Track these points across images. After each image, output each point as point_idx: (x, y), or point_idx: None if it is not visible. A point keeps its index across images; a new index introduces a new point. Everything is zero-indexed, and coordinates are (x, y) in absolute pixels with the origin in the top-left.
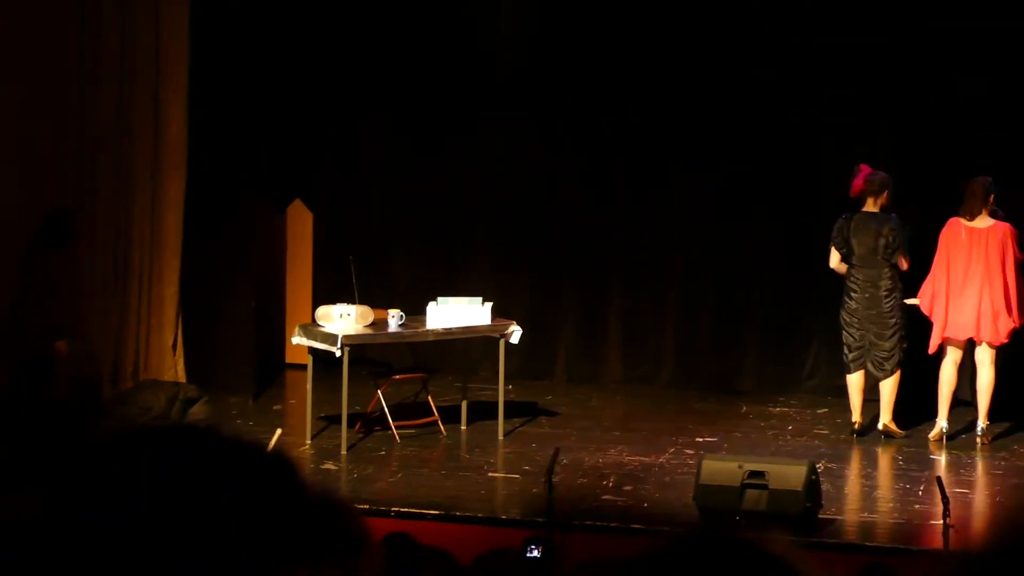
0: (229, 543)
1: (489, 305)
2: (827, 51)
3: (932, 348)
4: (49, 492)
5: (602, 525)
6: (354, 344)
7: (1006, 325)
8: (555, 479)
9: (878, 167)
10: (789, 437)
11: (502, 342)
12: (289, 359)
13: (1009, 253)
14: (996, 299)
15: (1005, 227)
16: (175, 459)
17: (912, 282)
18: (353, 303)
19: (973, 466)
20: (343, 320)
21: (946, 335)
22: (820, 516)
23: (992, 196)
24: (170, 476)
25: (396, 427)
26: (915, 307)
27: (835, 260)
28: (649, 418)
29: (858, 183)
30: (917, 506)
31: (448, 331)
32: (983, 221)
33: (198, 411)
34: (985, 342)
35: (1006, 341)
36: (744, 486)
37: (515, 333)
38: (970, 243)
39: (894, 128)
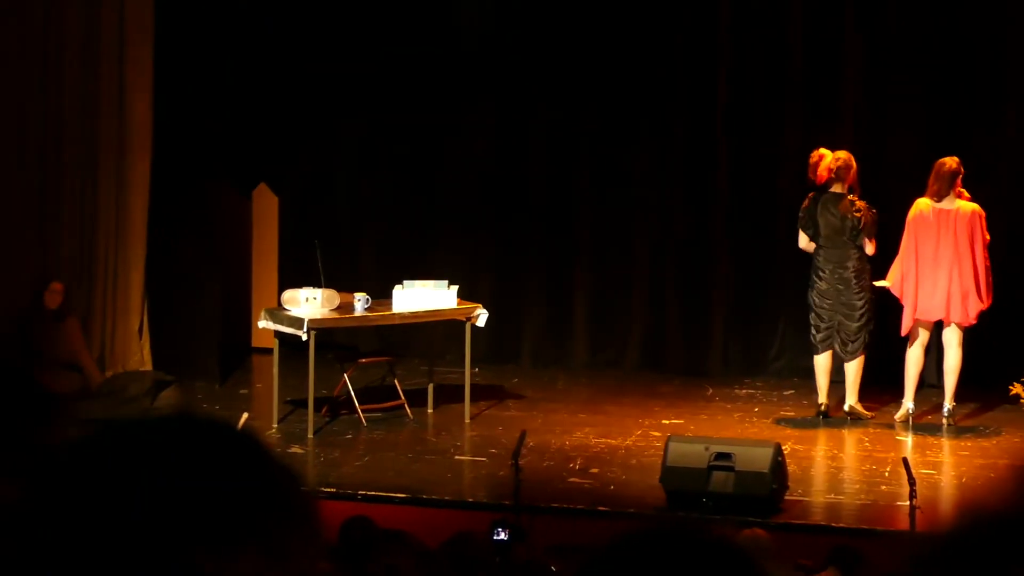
0: (202, 527)
1: (455, 288)
2: (789, 33)
3: (904, 330)
4: (30, 482)
5: (569, 508)
6: (320, 328)
7: (975, 306)
8: (521, 462)
9: (841, 148)
10: (755, 419)
11: (468, 325)
12: (255, 343)
13: (978, 234)
14: (965, 280)
15: (974, 209)
16: (154, 448)
17: (880, 264)
18: (319, 287)
19: (939, 447)
20: (309, 304)
21: (916, 317)
22: (786, 498)
23: (960, 177)
24: (148, 466)
25: (362, 411)
26: (883, 289)
27: (803, 241)
28: (615, 401)
29: (823, 173)
30: (883, 487)
31: (414, 314)
32: (951, 202)
33: (169, 395)
34: (954, 323)
35: (974, 322)
36: (711, 468)
37: (481, 316)
38: (938, 224)
39: (858, 108)
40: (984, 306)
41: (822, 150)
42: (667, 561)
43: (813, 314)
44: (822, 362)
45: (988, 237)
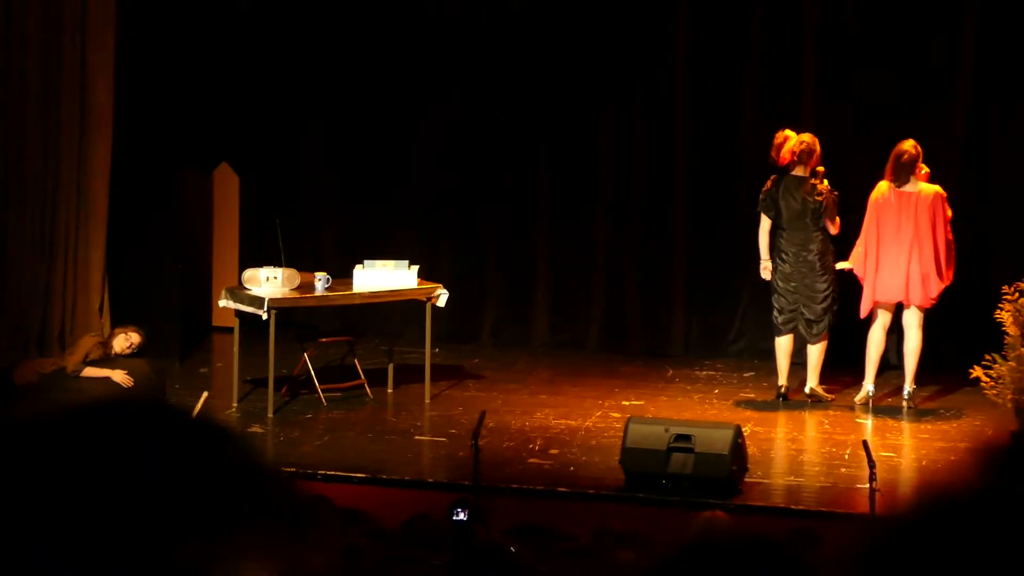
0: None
1: (415, 268)
2: (752, 13)
3: (863, 312)
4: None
5: (528, 488)
6: (280, 307)
7: (936, 286)
8: (481, 443)
9: (803, 130)
10: (715, 400)
11: (428, 305)
12: (216, 322)
13: (939, 215)
14: (926, 262)
15: (936, 191)
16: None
17: (843, 246)
18: (279, 266)
19: (900, 430)
20: (270, 283)
21: (876, 299)
22: (746, 480)
23: (919, 161)
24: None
25: (322, 390)
26: (845, 271)
27: (765, 225)
28: (575, 382)
29: (786, 155)
30: (843, 470)
31: (374, 294)
32: (912, 185)
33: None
34: (914, 305)
35: (935, 301)
36: (670, 449)
37: (442, 296)
38: (899, 206)
39: (819, 90)
40: (944, 283)
41: (787, 131)
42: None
43: (776, 296)
44: (784, 344)
45: (951, 213)
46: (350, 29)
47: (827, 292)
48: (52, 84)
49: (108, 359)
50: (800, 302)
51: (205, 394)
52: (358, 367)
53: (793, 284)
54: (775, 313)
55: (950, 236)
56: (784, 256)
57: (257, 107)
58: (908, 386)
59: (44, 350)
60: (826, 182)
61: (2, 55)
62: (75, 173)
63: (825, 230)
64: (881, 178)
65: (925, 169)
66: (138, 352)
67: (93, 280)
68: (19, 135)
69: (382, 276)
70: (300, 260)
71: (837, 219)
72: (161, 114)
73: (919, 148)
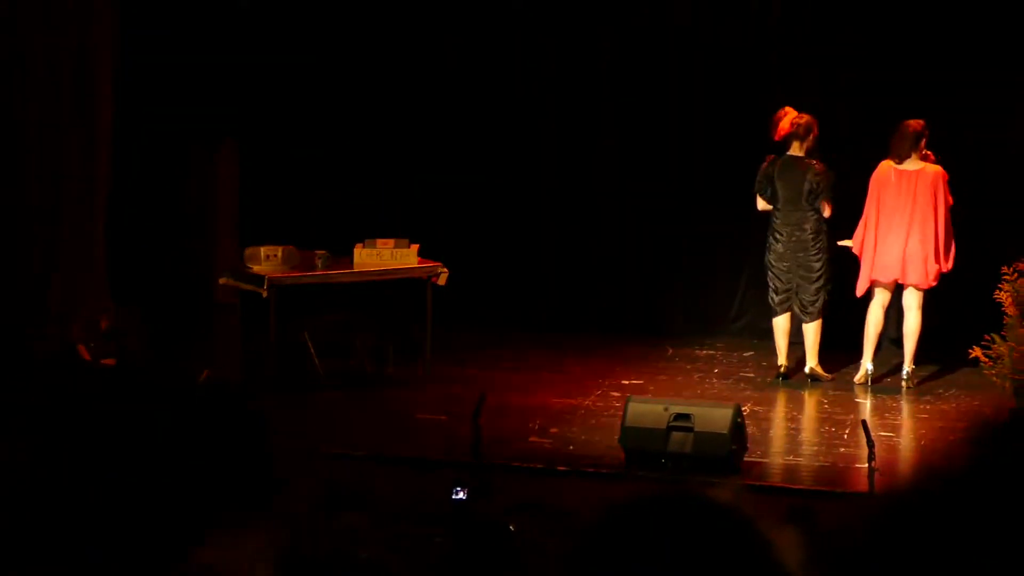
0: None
1: (416, 247)
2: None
3: (860, 291)
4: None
5: (528, 467)
6: (280, 285)
7: (934, 269)
8: (481, 421)
9: (803, 110)
10: (715, 380)
11: (430, 284)
12: (218, 298)
13: (940, 198)
14: (926, 242)
15: (937, 171)
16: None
17: (840, 226)
18: (279, 244)
19: (898, 410)
20: (269, 261)
21: (873, 277)
22: (745, 459)
23: (924, 140)
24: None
25: (322, 368)
26: (844, 249)
27: (761, 205)
28: (576, 360)
29: (784, 126)
30: (842, 449)
31: (375, 272)
32: (913, 164)
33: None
34: (912, 285)
35: (934, 284)
36: (670, 428)
37: (443, 275)
38: (899, 185)
39: (819, 70)
40: (945, 269)
41: (787, 108)
42: (670, 525)
43: (771, 276)
44: (781, 324)
45: (951, 200)
46: (350, 12)
47: (820, 272)
48: (54, 61)
49: (97, 338)
50: (794, 281)
51: (206, 372)
52: (358, 345)
53: (786, 264)
54: (771, 293)
55: (949, 224)
56: (778, 236)
57: (258, 85)
58: (907, 366)
59: (45, 327)
60: (823, 163)
61: (3, 29)
62: (78, 145)
63: (820, 210)
64: (883, 158)
65: (932, 156)
66: (114, 332)
67: (96, 254)
68: (23, 106)
69: (383, 254)
70: (300, 238)
71: (831, 204)
72: (163, 92)
73: (925, 128)
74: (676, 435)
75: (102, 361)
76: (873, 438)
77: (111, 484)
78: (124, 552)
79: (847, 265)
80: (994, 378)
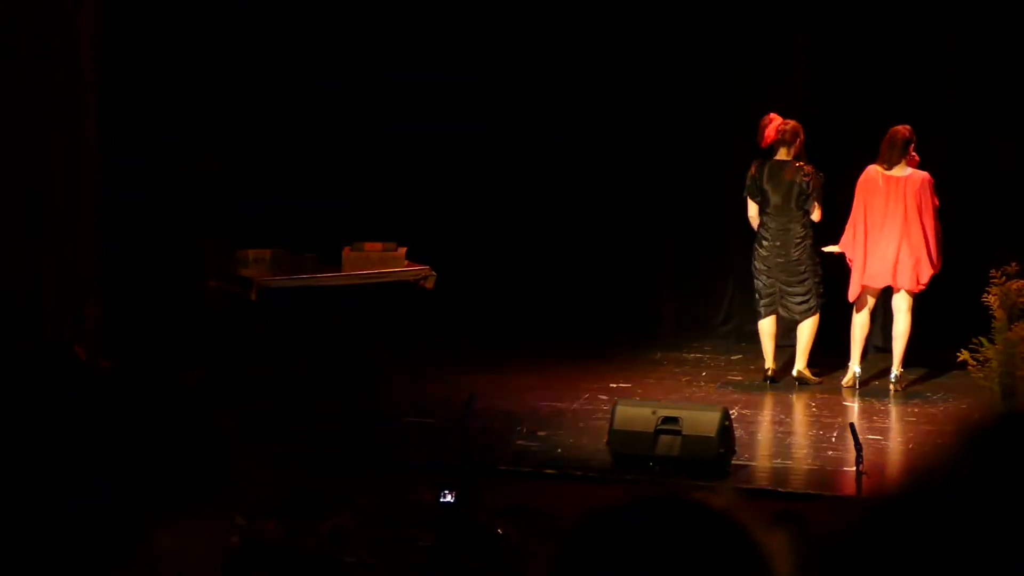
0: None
1: (404, 250)
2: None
3: (851, 296)
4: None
5: (516, 470)
6: (268, 288)
7: (926, 272)
8: (469, 424)
9: (789, 116)
10: (703, 383)
11: (417, 287)
12: (207, 302)
13: (927, 201)
14: (915, 247)
15: (924, 176)
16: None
17: (826, 231)
18: (268, 248)
19: (886, 413)
20: (258, 264)
21: (864, 283)
22: (733, 462)
23: (912, 145)
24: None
25: (315, 372)
26: (832, 254)
27: (753, 210)
28: (563, 363)
29: (770, 133)
30: (830, 453)
31: (363, 276)
32: (901, 170)
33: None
34: (903, 289)
35: (924, 286)
36: (657, 432)
37: (430, 279)
38: (887, 191)
39: (808, 75)
40: (934, 271)
41: (772, 115)
42: (658, 529)
43: (756, 280)
44: (766, 327)
45: (937, 202)
46: (333, 7)
47: (806, 274)
48: (41, 67)
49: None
50: (779, 283)
51: (196, 374)
52: (347, 348)
53: (770, 266)
54: (756, 296)
55: (937, 227)
56: (764, 240)
57: (241, 91)
58: (895, 369)
59: (38, 327)
60: (811, 166)
61: None
62: (65, 147)
63: (809, 213)
64: (869, 163)
65: (916, 157)
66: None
67: (85, 254)
68: (7, 110)
69: (371, 258)
70: (288, 242)
71: (821, 206)
72: (148, 100)
73: (913, 134)
74: (664, 438)
75: (100, 362)
76: (861, 441)
77: (56, 476)
78: (71, 546)
79: (836, 269)
80: (982, 381)
